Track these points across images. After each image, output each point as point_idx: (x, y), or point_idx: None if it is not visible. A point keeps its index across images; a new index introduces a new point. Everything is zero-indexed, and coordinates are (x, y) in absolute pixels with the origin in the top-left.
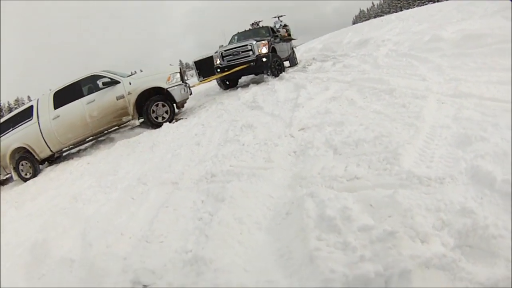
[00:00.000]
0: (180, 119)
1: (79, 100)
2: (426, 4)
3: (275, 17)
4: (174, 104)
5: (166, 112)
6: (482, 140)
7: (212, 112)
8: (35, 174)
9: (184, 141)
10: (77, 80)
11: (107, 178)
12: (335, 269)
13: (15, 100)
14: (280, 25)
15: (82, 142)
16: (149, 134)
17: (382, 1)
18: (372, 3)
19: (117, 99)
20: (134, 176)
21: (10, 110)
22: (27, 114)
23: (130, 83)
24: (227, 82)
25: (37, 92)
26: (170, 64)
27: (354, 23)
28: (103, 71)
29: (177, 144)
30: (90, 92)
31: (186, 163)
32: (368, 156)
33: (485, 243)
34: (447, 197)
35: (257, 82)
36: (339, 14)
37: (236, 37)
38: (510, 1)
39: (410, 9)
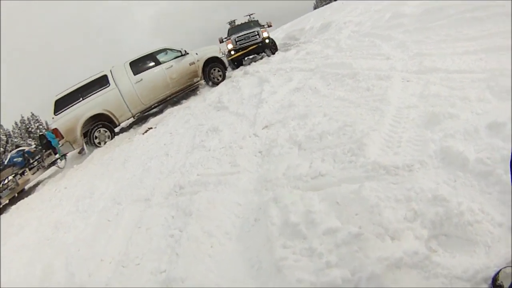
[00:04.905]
0: (150, 128)
1: (159, 66)
2: None
3: (247, 15)
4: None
5: (220, 75)
6: (451, 117)
7: (179, 118)
8: (112, 138)
9: (154, 152)
10: (150, 52)
11: (84, 202)
12: (302, 278)
13: None
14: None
15: (159, 103)
16: (120, 150)
17: None
18: None
19: (189, 65)
20: (109, 196)
21: None
22: (101, 82)
23: (196, 54)
24: (235, 63)
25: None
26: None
27: (315, 8)
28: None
29: (147, 156)
30: (163, 61)
31: (156, 176)
32: (333, 149)
33: (461, 230)
34: (417, 185)
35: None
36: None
37: (232, 30)
38: None
39: None
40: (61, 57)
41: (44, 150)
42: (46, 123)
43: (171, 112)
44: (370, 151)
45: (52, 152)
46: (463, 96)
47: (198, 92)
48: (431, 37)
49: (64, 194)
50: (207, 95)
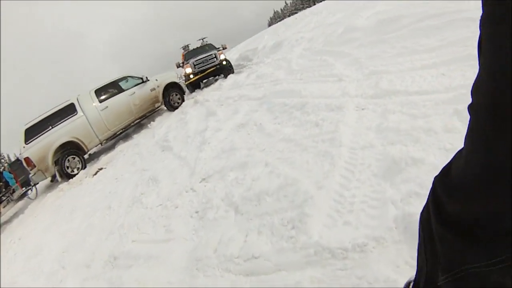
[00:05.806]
0: (100, 169)
1: (123, 93)
2: None
3: (199, 39)
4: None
5: (179, 98)
6: (415, 163)
7: (127, 158)
8: (84, 167)
9: (99, 203)
10: (113, 80)
11: (34, 259)
12: None
13: None
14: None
15: (124, 129)
16: (71, 195)
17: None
18: (285, 3)
19: (151, 91)
20: (55, 256)
21: None
22: (68, 111)
23: (156, 80)
24: (193, 86)
25: None
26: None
27: (270, 25)
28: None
29: (92, 208)
30: (126, 88)
31: (98, 236)
32: (272, 216)
33: None
34: (371, 273)
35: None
36: (256, 17)
37: (189, 54)
38: None
39: (323, 1)
40: (15, 87)
41: (5, 189)
42: (8, 156)
43: (122, 150)
44: (313, 225)
45: (19, 186)
46: (427, 128)
47: (149, 125)
48: (387, 50)
49: (18, 246)
50: (156, 130)
